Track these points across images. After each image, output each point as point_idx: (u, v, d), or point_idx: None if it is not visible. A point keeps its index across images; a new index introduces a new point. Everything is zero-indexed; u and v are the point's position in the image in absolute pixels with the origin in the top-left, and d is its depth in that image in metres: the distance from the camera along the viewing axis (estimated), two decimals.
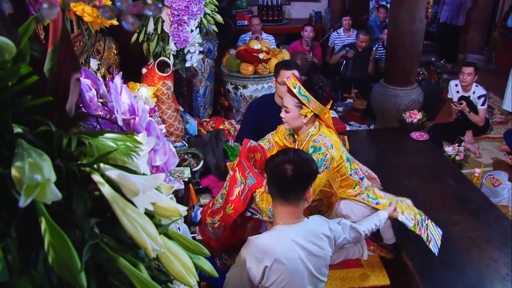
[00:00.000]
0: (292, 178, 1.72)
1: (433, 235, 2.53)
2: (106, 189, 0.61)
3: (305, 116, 2.37)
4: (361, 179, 2.58)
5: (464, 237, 2.97)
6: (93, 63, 2.46)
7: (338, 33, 6.77)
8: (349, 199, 2.53)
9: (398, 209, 2.51)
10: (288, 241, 1.70)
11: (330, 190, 2.51)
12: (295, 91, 2.39)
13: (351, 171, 2.50)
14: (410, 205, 2.60)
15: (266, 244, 1.67)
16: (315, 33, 6.54)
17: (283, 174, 1.72)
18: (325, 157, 2.31)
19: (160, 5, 2.70)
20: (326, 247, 1.81)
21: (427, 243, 2.48)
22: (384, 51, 6.12)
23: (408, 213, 2.54)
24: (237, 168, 2.47)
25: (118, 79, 0.90)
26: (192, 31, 3.11)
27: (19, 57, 0.57)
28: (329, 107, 2.49)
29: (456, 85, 5.01)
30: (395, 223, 2.63)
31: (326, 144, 2.33)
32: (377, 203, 2.51)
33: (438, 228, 2.60)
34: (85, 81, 0.84)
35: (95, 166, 0.62)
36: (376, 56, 6.13)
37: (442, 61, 7.05)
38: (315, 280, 1.76)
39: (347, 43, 6.49)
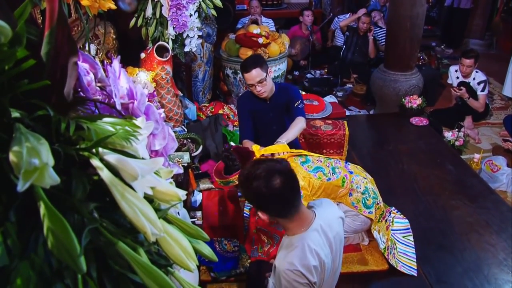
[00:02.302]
0: (287, 192, 1.60)
1: (400, 261, 2.60)
2: (105, 174, 0.60)
3: None
4: (350, 172, 2.60)
5: (463, 222, 2.99)
6: (91, 48, 2.44)
7: (338, 19, 6.72)
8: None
9: (377, 227, 2.64)
10: (315, 246, 1.63)
11: None
12: (223, 185, 2.61)
13: (326, 176, 2.53)
14: (388, 231, 2.67)
15: (302, 264, 1.59)
16: (313, 17, 6.48)
17: (278, 194, 1.58)
18: None
19: None
20: (341, 228, 1.81)
21: (397, 267, 2.57)
22: (381, 31, 6.09)
23: (382, 234, 2.65)
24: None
25: (116, 63, 0.89)
26: (191, 15, 3.08)
27: (16, 41, 0.56)
28: (260, 153, 2.55)
29: (456, 70, 4.99)
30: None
31: None
32: (369, 213, 2.56)
33: (410, 253, 2.64)
34: (83, 65, 0.83)
35: (94, 150, 0.62)
36: (374, 36, 6.07)
37: (442, 46, 7.01)
38: (336, 266, 1.77)
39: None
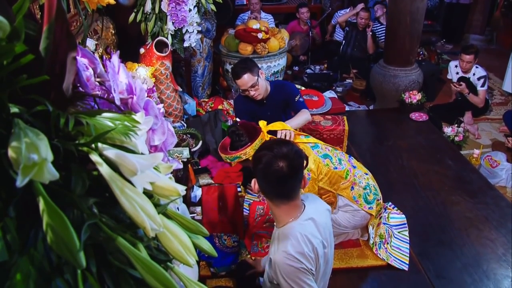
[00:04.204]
0: (290, 175, 1.61)
1: (392, 255, 2.61)
2: (104, 169, 0.60)
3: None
4: (354, 167, 2.61)
5: (462, 217, 3.00)
6: (91, 43, 2.43)
7: (338, 13, 6.71)
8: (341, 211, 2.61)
9: (372, 222, 2.65)
10: (307, 234, 1.64)
11: (326, 189, 2.55)
12: (229, 161, 2.54)
13: (333, 164, 2.53)
14: (379, 226, 2.69)
15: (296, 251, 1.60)
16: (309, 13, 6.45)
17: (279, 174, 1.60)
18: None
19: None
20: (329, 220, 1.82)
21: (388, 261, 2.58)
22: (380, 27, 6.07)
23: (374, 230, 2.66)
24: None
25: (115, 58, 0.88)
26: (190, 10, 3.07)
27: (14, 35, 0.56)
28: (267, 129, 2.56)
29: (456, 66, 4.99)
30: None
31: None
32: (370, 208, 2.57)
33: (404, 248, 2.66)
34: (82, 60, 0.83)
35: (93, 145, 0.62)
36: (373, 30, 6.06)
37: (442, 42, 7.00)
38: (328, 256, 1.78)
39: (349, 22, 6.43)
